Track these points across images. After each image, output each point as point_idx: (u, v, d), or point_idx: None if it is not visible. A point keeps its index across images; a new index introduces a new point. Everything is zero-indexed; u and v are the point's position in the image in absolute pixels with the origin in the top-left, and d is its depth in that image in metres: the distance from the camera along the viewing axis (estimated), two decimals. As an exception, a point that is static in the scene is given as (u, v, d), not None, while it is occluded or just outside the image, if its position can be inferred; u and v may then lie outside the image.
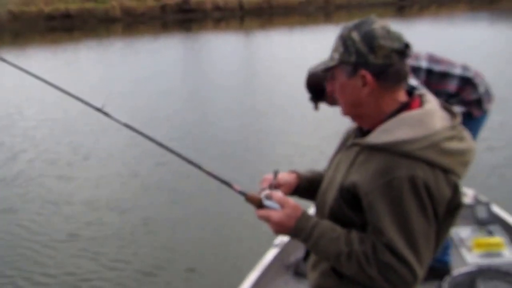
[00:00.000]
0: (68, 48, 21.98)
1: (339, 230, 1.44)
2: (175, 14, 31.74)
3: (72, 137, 8.75)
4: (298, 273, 3.36)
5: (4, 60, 2.44)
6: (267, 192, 1.48)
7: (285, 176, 1.69)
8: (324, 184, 1.61)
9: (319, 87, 2.92)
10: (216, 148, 7.86)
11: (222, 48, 20.35)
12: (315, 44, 16.27)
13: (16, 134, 9.06)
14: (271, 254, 3.34)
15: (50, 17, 28.82)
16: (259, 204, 1.48)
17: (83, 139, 8.58)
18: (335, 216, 1.47)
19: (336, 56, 1.46)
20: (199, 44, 22.05)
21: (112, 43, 23.22)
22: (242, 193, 1.54)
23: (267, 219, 1.46)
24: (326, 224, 1.45)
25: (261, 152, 7.75)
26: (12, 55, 20.39)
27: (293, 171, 1.74)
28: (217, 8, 32.84)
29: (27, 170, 7.27)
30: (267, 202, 1.46)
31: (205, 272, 4.53)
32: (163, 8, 31.75)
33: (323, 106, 3.14)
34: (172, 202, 6.06)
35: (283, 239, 3.39)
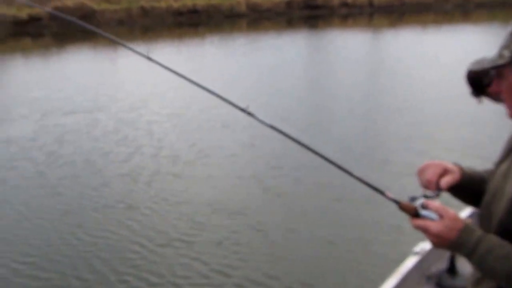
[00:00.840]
0: (193, 43, 22.25)
1: (508, 247, 1.30)
2: (301, 10, 31.33)
3: (193, 134, 8.34)
4: (440, 285, 3.11)
5: (150, 59, 2.51)
6: (422, 200, 1.40)
7: (450, 165, 1.55)
8: (489, 195, 1.48)
9: (478, 83, 2.26)
10: (343, 146, 7.40)
11: (348, 46, 19.63)
12: (451, 45, 15.04)
13: (140, 128, 8.80)
14: (410, 262, 3.12)
15: (178, 13, 29.62)
16: (414, 213, 1.40)
17: (204, 137, 8.15)
18: (506, 230, 1.35)
19: (507, 53, 1.32)
20: (324, 42, 21.41)
21: (235, 38, 23.15)
22: (395, 201, 1.44)
23: (424, 230, 1.37)
24: (493, 239, 1.33)
25: (389, 155, 7.18)
26: (141, 49, 20.92)
27: (455, 164, 1.59)
28: (345, 4, 32.07)
29: (148, 165, 6.91)
30: (423, 212, 1.39)
31: (334, 279, 4.23)
32: (289, 4, 31.48)
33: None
34: (290, 208, 5.59)
35: (424, 246, 3.18)
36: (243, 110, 1.94)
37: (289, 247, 4.73)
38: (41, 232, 5.11)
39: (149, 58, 2.54)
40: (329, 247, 4.71)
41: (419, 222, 1.39)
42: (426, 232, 1.39)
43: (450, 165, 1.58)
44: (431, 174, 1.53)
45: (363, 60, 16.22)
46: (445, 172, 1.54)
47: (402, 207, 1.44)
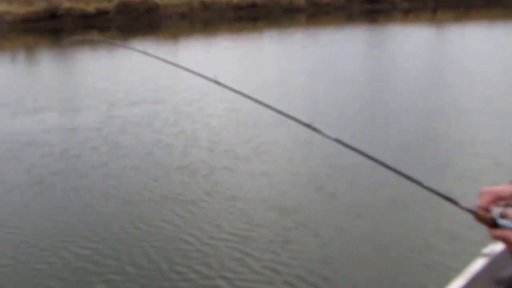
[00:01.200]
0: (251, 37, 22.33)
1: None
2: (361, 4, 30.78)
3: (250, 129, 8.41)
4: (512, 291, 2.86)
5: (218, 83, 2.59)
6: (500, 210, 1.32)
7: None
8: None
9: None
10: (401, 147, 7.24)
11: (410, 42, 19.12)
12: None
13: (198, 121, 8.97)
14: (478, 265, 2.98)
15: (238, 7, 29.85)
16: (492, 223, 1.32)
17: (261, 132, 8.18)
18: None
19: None
20: (384, 37, 20.89)
21: (293, 33, 23.04)
22: (471, 212, 1.36)
23: (505, 240, 1.29)
24: None
25: (451, 158, 6.91)
26: (201, 43, 21.28)
27: None
28: (408, -2, 31.10)
29: (205, 159, 7.05)
30: (502, 222, 1.30)
31: (388, 283, 4.19)
32: (350, -2, 30.95)
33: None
34: (344, 209, 5.51)
35: (494, 248, 3.01)
36: (307, 125, 1.98)
37: (341, 248, 4.71)
38: (102, 220, 5.37)
39: (217, 82, 2.69)
40: (383, 251, 4.65)
41: (499, 233, 1.34)
42: (507, 242, 1.34)
43: (505, 189, 1.47)
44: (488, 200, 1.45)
45: (425, 57, 15.71)
46: (498, 199, 1.46)
47: (479, 217, 1.39)
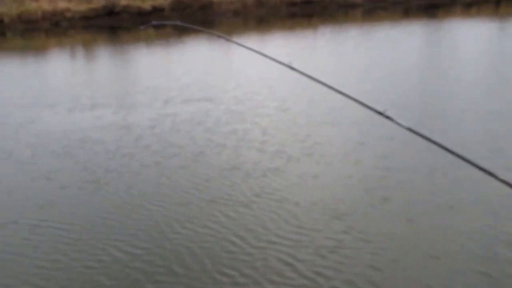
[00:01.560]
0: (304, 34, 22.09)
1: None
2: (420, -2, 29.72)
3: (301, 129, 8.24)
4: None
5: (293, 69, 2.64)
6: None
7: None
8: None
9: None
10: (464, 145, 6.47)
11: (471, 37, 18.34)
12: None
13: (248, 120, 8.92)
14: None
15: (292, 3, 29.63)
16: None
17: (312, 132, 7.99)
18: None
19: None
20: (443, 32, 20.09)
21: (347, 30, 22.59)
22: None
23: None
24: None
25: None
26: (253, 40, 21.27)
27: None
28: (469, -8, 29.80)
29: (255, 159, 6.95)
30: None
31: None
32: (408, -8, 30.06)
33: None
34: (397, 214, 5.22)
35: None
36: (380, 113, 1.93)
37: (393, 255, 4.52)
38: (153, 219, 5.40)
39: (292, 68, 2.70)
40: (438, 259, 4.42)
41: None
42: None
43: None
44: None
45: (488, 53, 14.99)
46: None
47: None
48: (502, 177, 1.39)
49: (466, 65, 13.13)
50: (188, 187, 6.17)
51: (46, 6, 26.54)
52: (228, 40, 3.51)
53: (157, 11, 26.47)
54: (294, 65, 2.62)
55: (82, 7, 26.64)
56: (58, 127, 9.13)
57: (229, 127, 8.51)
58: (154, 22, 4.79)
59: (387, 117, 1.83)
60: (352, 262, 4.42)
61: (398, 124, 1.76)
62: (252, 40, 21.13)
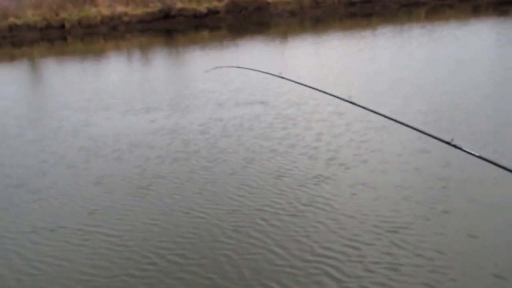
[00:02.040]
0: (362, 35, 21.51)
1: None
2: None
3: (354, 136, 7.88)
4: None
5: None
6: None
7: None
8: None
9: None
10: None
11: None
12: None
13: (299, 125, 8.70)
14: None
15: (350, 3, 29.03)
16: None
17: (366, 139, 7.64)
18: None
19: None
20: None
21: (410, 29, 21.77)
22: None
23: None
24: None
25: None
26: (309, 42, 20.91)
27: None
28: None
29: (307, 168, 6.69)
30: None
31: None
32: (475, -11, 28.70)
33: None
34: (457, 228, 4.83)
35: None
36: (447, 143, 1.91)
37: (452, 274, 4.14)
38: (197, 227, 5.26)
39: (352, 103, 2.69)
40: (504, 282, 4.00)
41: None
42: None
43: None
44: None
45: None
46: None
47: None
48: None
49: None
50: (234, 194, 5.99)
51: (105, 11, 27.39)
52: (289, 80, 3.48)
53: (212, 13, 26.68)
54: (353, 99, 2.50)
55: (139, 11, 27.28)
56: (111, 131, 9.24)
57: (280, 132, 8.29)
58: (216, 66, 5.12)
59: (455, 146, 1.66)
60: (406, 280, 4.11)
61: (467, 152, 1.57)
62: (308, 42, 20.79)
